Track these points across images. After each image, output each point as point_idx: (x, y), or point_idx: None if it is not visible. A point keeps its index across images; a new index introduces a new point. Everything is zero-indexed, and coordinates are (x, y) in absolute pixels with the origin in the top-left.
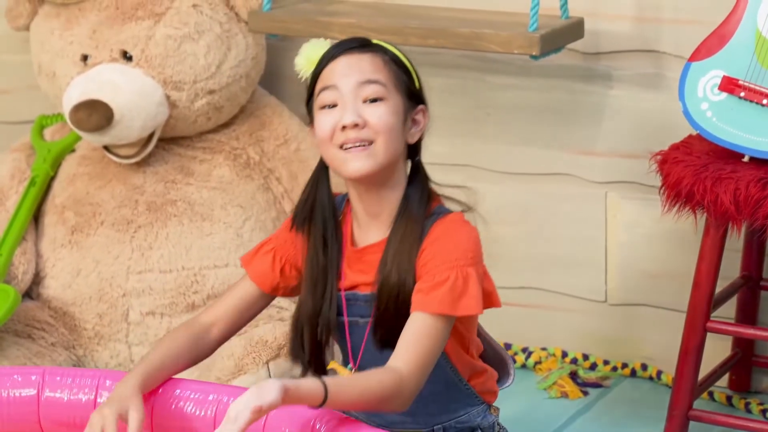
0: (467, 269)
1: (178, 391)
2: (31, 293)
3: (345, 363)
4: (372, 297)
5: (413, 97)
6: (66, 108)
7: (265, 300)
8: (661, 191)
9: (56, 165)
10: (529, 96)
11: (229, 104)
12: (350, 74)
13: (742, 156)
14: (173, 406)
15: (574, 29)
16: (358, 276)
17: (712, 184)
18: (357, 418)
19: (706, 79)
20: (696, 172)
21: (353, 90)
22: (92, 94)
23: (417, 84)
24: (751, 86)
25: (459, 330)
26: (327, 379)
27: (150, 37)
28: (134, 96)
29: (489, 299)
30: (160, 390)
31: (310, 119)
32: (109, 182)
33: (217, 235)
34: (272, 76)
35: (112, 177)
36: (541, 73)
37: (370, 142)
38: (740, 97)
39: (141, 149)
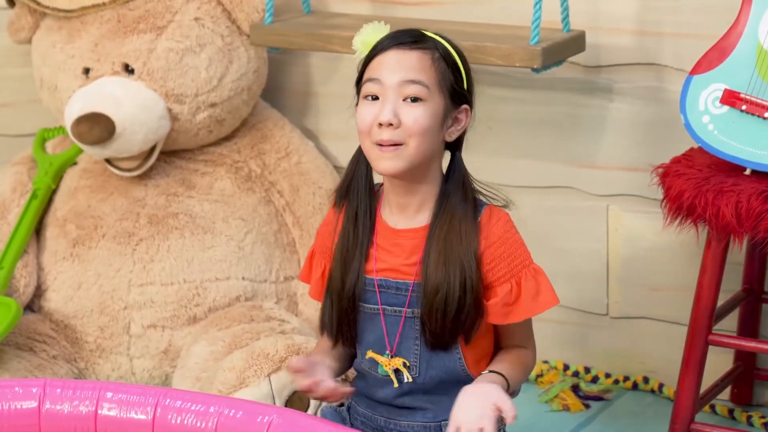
0: (533, 266)
1: (179, 402)
2: (32, 306)
3: (379, 350)
4: (404, 286)
5: (457, 96)
6: (68, 121)
7: None
8: (663, 204)
9: (58, 178)
10: (530, 109)
11: (231, 117)
12: (396, 70)
13: (744, 169)
14: (175, 418)
15: (576, 42)
16: (389, 258)
17: (713, 197)
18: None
19: (708, 92)
20: (697, 185)
21: (395, 87)
22: (94, 107)
23: (465, 83)
24: (753, 99)
25: (488, 343)
26: (498, 369)
27: (152, 51)
28: (136, 109)
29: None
30: (165, 401)
31: (357, 99)
32: (111, 195)
33: (218, 248)
34: (274, 89)
35: (113, 190)
36: (542, 86)
37: (402, 144)
38: (742, 111)
39: (143, 162)
